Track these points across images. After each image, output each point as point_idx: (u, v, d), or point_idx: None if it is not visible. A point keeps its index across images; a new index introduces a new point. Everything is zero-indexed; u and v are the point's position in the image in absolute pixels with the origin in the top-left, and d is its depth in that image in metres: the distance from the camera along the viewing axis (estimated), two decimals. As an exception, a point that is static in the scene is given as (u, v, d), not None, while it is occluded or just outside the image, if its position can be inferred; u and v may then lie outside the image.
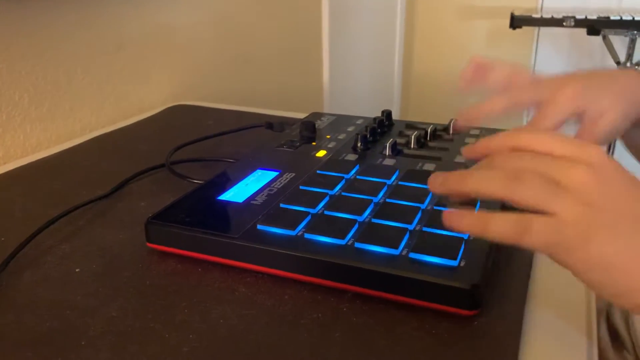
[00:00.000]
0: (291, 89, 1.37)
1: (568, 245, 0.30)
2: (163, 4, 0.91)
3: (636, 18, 1.74)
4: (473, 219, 0.33)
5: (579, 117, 0.45)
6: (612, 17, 1.76)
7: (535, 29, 2.10)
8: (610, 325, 0.57)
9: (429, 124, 0.67)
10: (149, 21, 0.89)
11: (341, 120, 0.72)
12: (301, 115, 0.78)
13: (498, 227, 0.32)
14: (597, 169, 0.31)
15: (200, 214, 0.46)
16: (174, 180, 0.60)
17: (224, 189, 0.51)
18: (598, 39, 1.82)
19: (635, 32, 1.73)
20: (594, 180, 0.31)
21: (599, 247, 0.30)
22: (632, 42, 1.81)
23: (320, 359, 0.34)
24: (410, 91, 2.31)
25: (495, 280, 0.41)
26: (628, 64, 1.83)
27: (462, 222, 0.33)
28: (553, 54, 2.13)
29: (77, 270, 0.44)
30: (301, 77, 1.45)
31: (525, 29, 1.96)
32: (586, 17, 1.77)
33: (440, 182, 0.35)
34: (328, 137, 0.66)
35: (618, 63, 1.85)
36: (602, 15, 1.78)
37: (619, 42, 1.88)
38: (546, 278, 0.43)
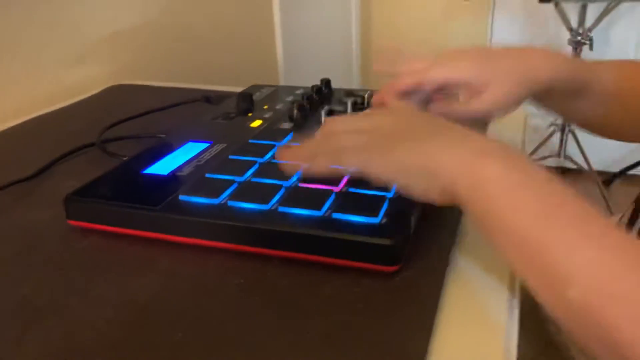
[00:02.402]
0: (244, 65, 1.34)
1: (371, 161, 0.38)
2: (97, -19, 0.88)
3: (586, -16, 1.76)
4: (301, 154, 0.41)
5: (466, 87, 0.48)
6: (562, -16, 1.78)
7: (490, 0, 2.10)
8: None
9: (367, 90, 0.66)
10: (83, 1, 0.86)
11: (281, 91, 0.71)
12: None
13: (320, 161, 0.40)
14: (391, 112, 0.43)
15: (121, 188, 0.45)
16: (105, 159, 0.58)
17: (150, 163, 0.49)
18: (551, 7, 1.84)
19: (586, -2, 1.75)
20: (388, 118, 0.41)
21: (393, 155, 0.37)
22: (583, 8, 1.83)
23: (239, 322, 0.34)
24: (369, 62, 2.30)
25: (421, 236, 0.41)
26: (580, 30, 1.85)
27: (293, 156, 0.42)
28: (508, 25, 2.14)
29: (-8, 251, 0.42)
30: (254, 52, 1.42)
31: (480, 1, 1.96)
32: (538, -16, 1.78)
33: (286, 158, 0.42)
34: (265, 107, 0.64)
35: (570, 30, 1.87)
36: (553, -18, 1.79)
37: (571, 9, 1.90)
38: (473, 233, 0.43)
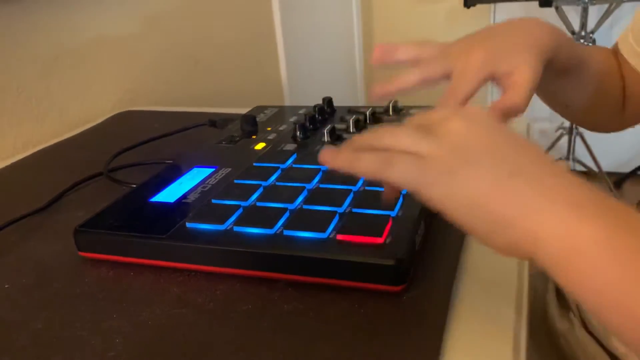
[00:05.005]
0: (249, 86, 1.36)
1: (431, 181, 0.31)
2: (101, 11, 0.90)
3: (586, -13, 1.76)
4: (344, 157, 0.34)
5: (494, 80, 0.44)
6: (562, -12, 1.78)
7: (491, 6, 2.11)
8: (558, 290, 0.57)
9: (369, 107, 0.67)
10: (86, 29, 0.87)
11: (284, 112, 0.71)
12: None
13: (365, 163, 0.33)
14: (466, 119, 0.32)
15: (129, 217, 0.46)
16: (113, 187, 0.59)
17: (157, 191, 0.50)
18: (552, 11, 1.84)
19: (587, 0, 1.75)
20: (462, 127, 0.32)
21: (462, 182, 0.30)
22: (585, 10, 1.83)
23: (248, 349, 0.34)
24: (373, 77, 2.31)
25: (426, 254, 0.41)
26: (583, 33, 1.85)
27: (335, 159, 0.35)
28: (510, 30, 2.14)
29: (6, 286, 0.43)
30: (258, 74, 1.44)
31: (480, 7, 1.97)
32: (537, -11, 1.79)
33: (329, 159, 0.35)
34: (269, 129, 0.65)
35: (573, 32, 1.87)
36: (552, -14, 1.79)
37: (573, 11, 1.90)
38: (478, 252, 0.43)
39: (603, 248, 0.26)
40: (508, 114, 0.42)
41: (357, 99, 2.18)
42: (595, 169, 2.04)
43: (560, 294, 0.56)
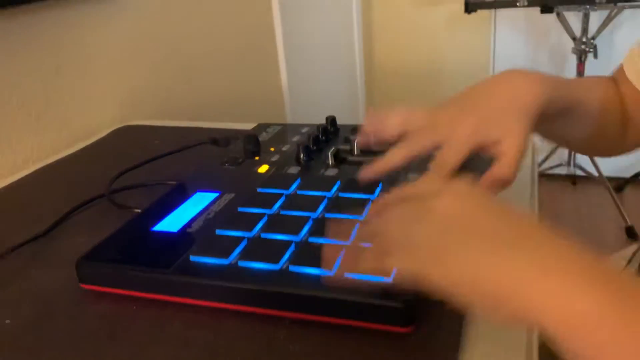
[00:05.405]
0: (250, 94, 1.35)
1: (427, 267, 0.31)
2: (99, 25, 0.89)
3: (587, -7, 1.75)
4: (347, 258, 0.38)
5: (482, 149, 0.44)
6: (564, -6, 1.77)
7: (492, 11, 2.11)
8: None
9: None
10: (85, 43, 0.86)
11: (287, 130, 0.71)
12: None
13: (365, 261, 0.35)
14: (455, 196, 0.33)
15: (132, 248, 0.45)
16: (115, 210, 0.58)
17: (159, 218, 0.49)
18: (553, 17, 1.84)
19: (588, 6, 1.75)
20: (451, 205, 0.33)
21: (456, 263, 0.31)
22: (586, 16, 1.82)
23: (254, 395, 0.34)
24: (374, 85, 2.31)
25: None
26: (584, 39, 1.85)
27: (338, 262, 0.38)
28: (511, 36, 2.14)
29: (7, 321, 0.42)
30: (259, 84, 1.43)
31: (481, 12, 1.96)
32: (538, -5, 1.78)
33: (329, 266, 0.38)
34: (272, 149, 0.64)
35: (574, 39, 1.86)
36: (554, -8, 1.78)
37: (574, 17, 1.89)
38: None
39: (599, 319, 0.26)
40: (497, 185, 0.42)
41: (358, 100, 2.17)
42: (595, 174, 2.04)
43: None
